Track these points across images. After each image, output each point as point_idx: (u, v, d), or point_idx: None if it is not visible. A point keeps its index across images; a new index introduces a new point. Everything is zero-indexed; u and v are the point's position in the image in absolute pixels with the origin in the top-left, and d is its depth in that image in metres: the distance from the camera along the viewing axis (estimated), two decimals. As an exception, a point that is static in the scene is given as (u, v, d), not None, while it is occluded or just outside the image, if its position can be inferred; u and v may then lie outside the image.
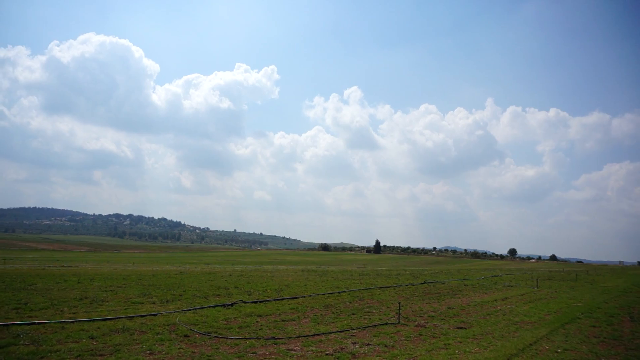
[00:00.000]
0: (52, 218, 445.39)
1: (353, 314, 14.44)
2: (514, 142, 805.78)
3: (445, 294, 21.62)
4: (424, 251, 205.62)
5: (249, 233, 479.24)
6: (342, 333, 11.24)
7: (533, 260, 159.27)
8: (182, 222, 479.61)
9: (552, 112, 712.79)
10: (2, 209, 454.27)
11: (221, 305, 14.92)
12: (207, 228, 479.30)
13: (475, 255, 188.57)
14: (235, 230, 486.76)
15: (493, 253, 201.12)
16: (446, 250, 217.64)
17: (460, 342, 10.62)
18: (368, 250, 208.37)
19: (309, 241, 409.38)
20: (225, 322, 12.12)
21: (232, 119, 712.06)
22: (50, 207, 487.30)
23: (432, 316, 14.49)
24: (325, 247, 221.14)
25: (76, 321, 11.28)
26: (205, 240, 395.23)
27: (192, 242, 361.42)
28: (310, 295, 18.97)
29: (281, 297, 17.85)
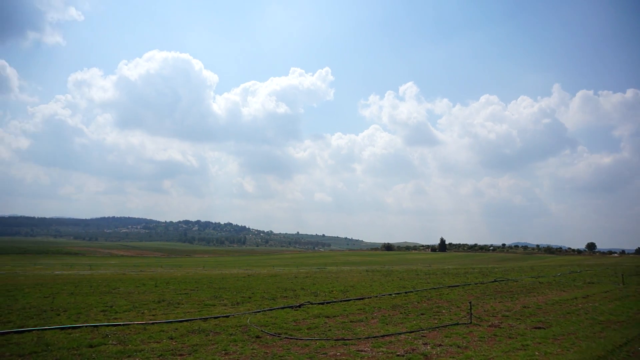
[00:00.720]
0: (129, 226, 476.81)
1: (422, 314, 14.13)
2: (586, 129, 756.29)
3: (519, 292, 20.58)
4: (492, 248, 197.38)
5: (311, 235, 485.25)
6: (412, 334, 11.03)
7: (615, 255, 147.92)
8: (247, 226, 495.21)
9: (630, 93, 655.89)
10: (86, 219, 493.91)
11: (289, 307, 15.18)
12: (271, 231, 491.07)
13: (549, 250, 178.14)
14: (298, 232, 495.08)
15: (569, 248, 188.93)
16: (516, 246, 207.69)
17: (540, 343, 10.05)
18: (433, 248, 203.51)
19: (372, 241, 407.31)
20: (295, 323, 12.31)
21: (290, 123, 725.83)
22: (126, 216, 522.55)
23: (506, 316, 13.84)
24: (388, 247, 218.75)
25: (156, 322, 11.95)
26: (270, 243, 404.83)
27: (257, 246, 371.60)
28: (376, 296, 18.81)
29: (348, 298, 17.86)
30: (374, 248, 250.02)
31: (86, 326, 11.25)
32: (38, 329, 10.73)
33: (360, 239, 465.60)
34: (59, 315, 13.33)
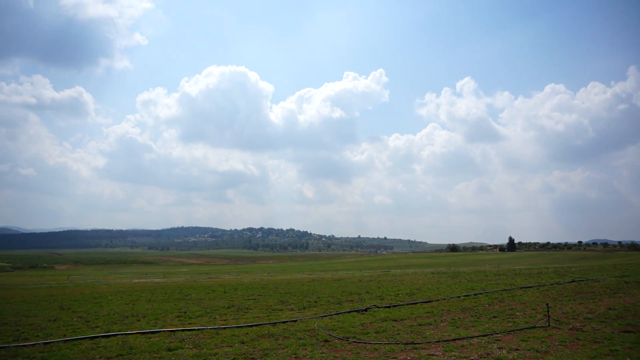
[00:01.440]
0: (197, 235, 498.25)
1: (494, 317, 13.53)
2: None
3: (602, 293, 19.11)
4: (566, 246, 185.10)
5: (373, 238, 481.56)
6: (485, 337, 10.58)
7: None
8: (309, 232, 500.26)
9: None
10: (158, 230, 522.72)
11: (355, 311, 15.13)
12: (333, 235, 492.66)
13: (634, 247, 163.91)
14: (359, 236, 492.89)
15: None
16: (594, 243, 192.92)
17: (631, 349, 9.26)
18: (501, 248, 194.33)
19: (435, 243, 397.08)
20: (362, 327, 12.24)
21: (345, 127, 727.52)
22: (194, 226, 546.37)
23: (589, 318, 12.90)
24: (453, 248, 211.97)
25: (228, 327, 12.38)
26: (332, 248, 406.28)
27: (320, 250, 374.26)
28: (444, 298, 18.28)
29: (414, 301, 17.50)
30: (438, 250, 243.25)
31: (164, 331, 11.87)
32: (122, 334, 11.48)
33: (424, 241, 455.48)
34: (139, 320, 14.18)
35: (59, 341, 10.60)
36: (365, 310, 15.25)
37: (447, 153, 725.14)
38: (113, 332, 11.86)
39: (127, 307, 18.08)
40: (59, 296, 23.89)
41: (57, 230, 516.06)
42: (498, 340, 10.28)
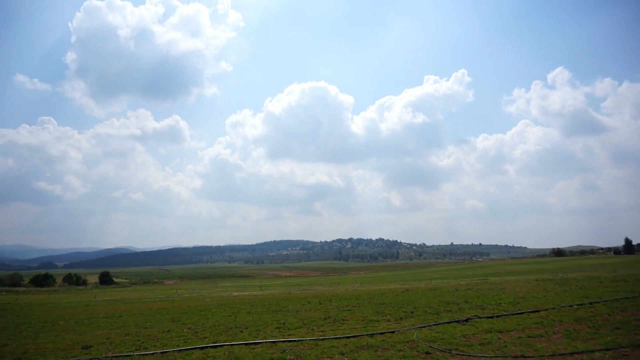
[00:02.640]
0: (289, 248, 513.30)
1: (617, 328, 12.14)
2: None
3: None
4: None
5: (466, 245, 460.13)
6: (608, 352, 9.52)
7: None
8: (399, 240, 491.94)
9: None
10: (252, 245, 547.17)
11: (456, 321, 14.48)
12: (424, 244, 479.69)
13: None
14: (452, 243, 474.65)
15: None
16: None
17: None
18: (615, 251, 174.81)
19: (537, 247, 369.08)
20: (464, 339, 11.67)
21: (429, 131, 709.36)
22: (285, 239, 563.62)
23: None
24: (558, 252, 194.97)
25: (326, 338, 12.49)
26: (423, 256, 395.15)
27: (411, 259, 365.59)
28: (553, 308, 16.81)
29: (520, 311, 16.31)
30: (541, 255, 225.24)
31: (266, 342, 12.30)
32: (228, 344, 12.10)
33: (523, 246, 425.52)
34: (242, 332, 14.85)
35: (173, 351, 11.45)
36: (466, 320, 14.53)
37: (542, 150, 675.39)
38: (220, 342, 12.54)
39: (229, 318, 19.04)
40: (170, 309, 25.87)
41: (163, 248, 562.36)
42: (625, 355, 9.20)
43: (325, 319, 17.34)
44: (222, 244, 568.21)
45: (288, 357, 10.41)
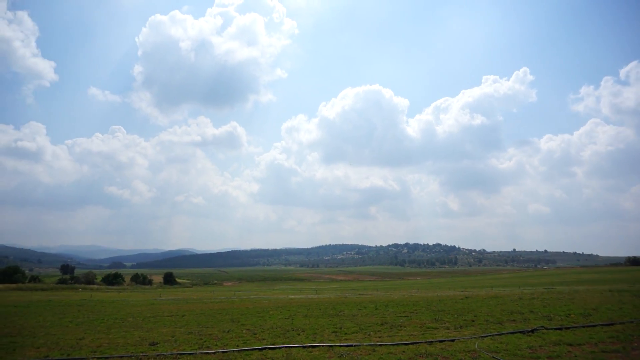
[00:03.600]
0: (344, 252, 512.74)
1: None
2: None
3: None
4: None
5: (530, 251, 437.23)
6: (696, 370, 8.69)
7: None
8: (457, 246, 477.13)
9: None
10: (307, 248, 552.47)
11: (520, 332, 13.79)
12: (483, 250, 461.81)
13: None
14: (514, 249, 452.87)
15: None
16: None
17: None
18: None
19: (610, 255, 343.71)
20: (530, 351, 11.09)
21: (488, 133, 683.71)
22: (340, 243, 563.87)
23: None
24: (634, 261, 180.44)
25: (384, 344, 12.34)
26: (483, 263, 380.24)
27: (470, 266, 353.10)
28: (631, 321, 15.58)
29: (592, 323, 15.27)
30: (615, 263, 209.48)
31: (323, 345, 12.36)
32: (286, 347, 12.27)
33: (594, 253, 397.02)
34: (299, 334, 15.01)
35: (233, 351, 11.78)
36: (532, 331, 13.80)
37: (615, 151, 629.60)
38: (278, 344, 12.75)
39: (286, 321, 19.31)
40: (229, 310, 26.67)
41: (222, 251, 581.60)
42: None
43: (382, 324, 17.14)
44: (278, 247, 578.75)
45: (345, 361, 10.39)
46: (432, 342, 12.65)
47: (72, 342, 14.16)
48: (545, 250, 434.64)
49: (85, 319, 22.36)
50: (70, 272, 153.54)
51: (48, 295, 54.57)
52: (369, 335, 14.54)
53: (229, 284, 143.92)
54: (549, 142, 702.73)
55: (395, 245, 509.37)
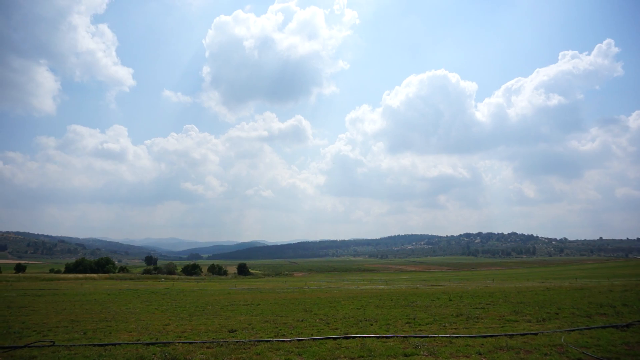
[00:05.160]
0: (413, 243, 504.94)
1: None
2: None
3: None
4: None
5: (620, 240, 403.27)
6: None
7: None
8: (535, 235, 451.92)
9: None
10: (376, 239, 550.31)
11: (613, 326, 12.75)
12: (565, 238, 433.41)
13: None
14: (600, 237, 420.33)
15: None
16: None
17: None
18: None
19: None
20: (627, 347, 10.19)
21: (567, 113, 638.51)
22: (410, 234, 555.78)
23: None
24: None
25: (461, 336, 11.96)
26: (565, 252, 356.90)
27: (550, 255, 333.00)
28: None
29: (698, 318, 13.75)
30: None
31: (397, 336, 12.21)
32: (360, 336, 12.28)
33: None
34: (372, 325, 14.96)
35: (308, 339, 11.99)
36: (627, 326, 12.70)
37: None
38: (351, 334, 12.79)
39: (358, 311, 19.34)
40: (301, 300, 27.23)
41: (292, 242, 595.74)
42: None
43: (457, 315, 16.64)
44: (346, 238, 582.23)
45: (421, 352, 10.19)
46: (512, 335, 12.05)
47: (159, 327, 15.17)
48: (638, 239, 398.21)
49: (169, 306, 23.89)
50: (154, 263, 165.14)
51: (135, 284, 59.06)
52: (444, 326, 14.16)
53: (299, 274, 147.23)
54: (639, 119, 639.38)
55: (467, 235, 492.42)
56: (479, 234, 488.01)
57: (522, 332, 12.37)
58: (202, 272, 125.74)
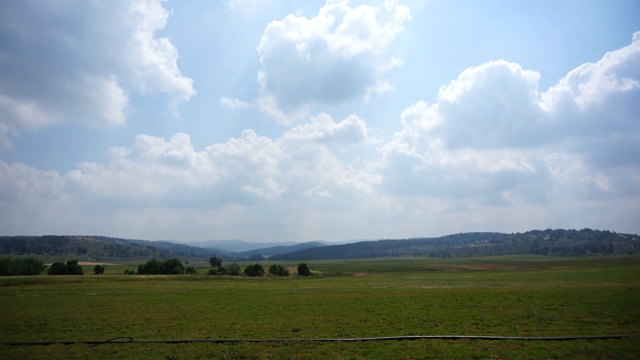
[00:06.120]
0: (477, 241, 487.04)
1: None
2: None
3: None
4: None
5: None
6: None
7: None
8: (611, 231, 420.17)
9: None
10: (437, 238, 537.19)
11: None
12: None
13: None
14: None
15: None
16: None
17: None
18: None
19: None
20: None
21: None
22: (472, 232, 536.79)
23: None
24: None
25: (533, 339, 11.36)
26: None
27: (630, 253, 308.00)
28: None
29: None
30: None
31: (464, 337, 11.83)
32: (425, 337, 12.03)
33: None
34: (437, 325, 14.61)
35: (372, 339, 11.92)
36: None
37: None
38: (416, 335, 12.56)
39: (422, 312, 18.95)
40: (363, 300, 27.11)
41: (351, 242, 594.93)
42: None
43: (527, 317, 15.86)
44: (406, 237, 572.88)
45: (491, 355, 9.80)
46: (592, 338, 11.29)
47: (226, 325, 15.72)
48: None
49: (235, 305, 24.68)
50: (218, 264, 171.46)
51: (202, 285, 61.58)
52: (515, 328, 13.53)
53: (360, 274, 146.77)
54: None
55: (535, 232, 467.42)
56: (548, 230, 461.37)
57: (602, 335, 11.56)
58: (264, 272, 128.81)
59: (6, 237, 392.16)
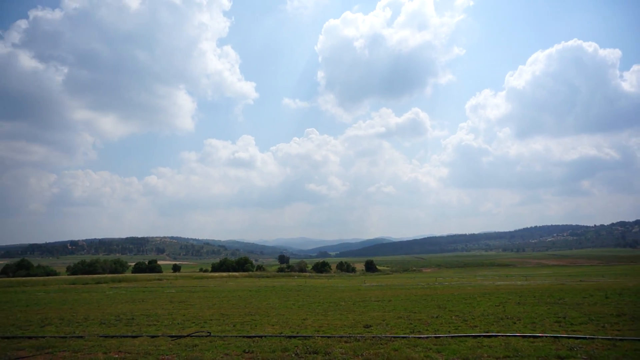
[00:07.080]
0: (554, 234, 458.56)
1: None
2: None
3: None
4: None
5: None
6: None
7: None
8: None
9: None
10: (510, 232, 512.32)
11: None
12: None
13: None
14: None
15: None
16: None
17: None
18: None
19: None
20: None
21: None
22: (548, 224, 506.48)
23: None
24: None
25: (626, 339, 10.45)
26: None
27: None
28: None
29: None
30: None
31: (547, 336, 11.15)
32: (503, 335, 11.48)
33: None
34: (514, 323, 13.89)
35: (446, 336, 11.57)
36: None
37: None
38: (492, 332, 12.02)
39: (497, 308, 18.13)
40: (433, 296, 26.46)
41: (418, 238, 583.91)
42: None
43: (618, 315, 14.66)
44: (476, 231, 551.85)
45: (578, 355, 9.13)
46: (696, 339, 10.18)
47: (298, 321, 16.01)
48: None
49: (304, 302, 25.07)
50: (286, 262, 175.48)
51: (272, 282, 63.29)
52: (604, 327, 12.54)
53: (428, 270, 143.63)
54: None
55: (622, 224, 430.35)
56: (637, 222, 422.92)
57: None
58: (331, 269, 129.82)
59: (95, 239, 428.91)
